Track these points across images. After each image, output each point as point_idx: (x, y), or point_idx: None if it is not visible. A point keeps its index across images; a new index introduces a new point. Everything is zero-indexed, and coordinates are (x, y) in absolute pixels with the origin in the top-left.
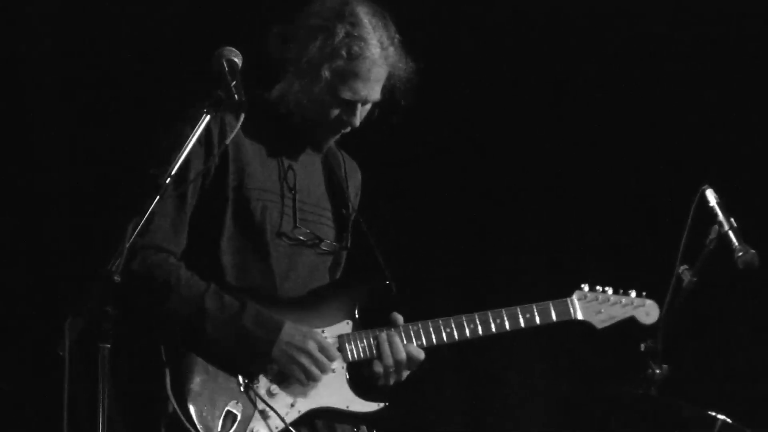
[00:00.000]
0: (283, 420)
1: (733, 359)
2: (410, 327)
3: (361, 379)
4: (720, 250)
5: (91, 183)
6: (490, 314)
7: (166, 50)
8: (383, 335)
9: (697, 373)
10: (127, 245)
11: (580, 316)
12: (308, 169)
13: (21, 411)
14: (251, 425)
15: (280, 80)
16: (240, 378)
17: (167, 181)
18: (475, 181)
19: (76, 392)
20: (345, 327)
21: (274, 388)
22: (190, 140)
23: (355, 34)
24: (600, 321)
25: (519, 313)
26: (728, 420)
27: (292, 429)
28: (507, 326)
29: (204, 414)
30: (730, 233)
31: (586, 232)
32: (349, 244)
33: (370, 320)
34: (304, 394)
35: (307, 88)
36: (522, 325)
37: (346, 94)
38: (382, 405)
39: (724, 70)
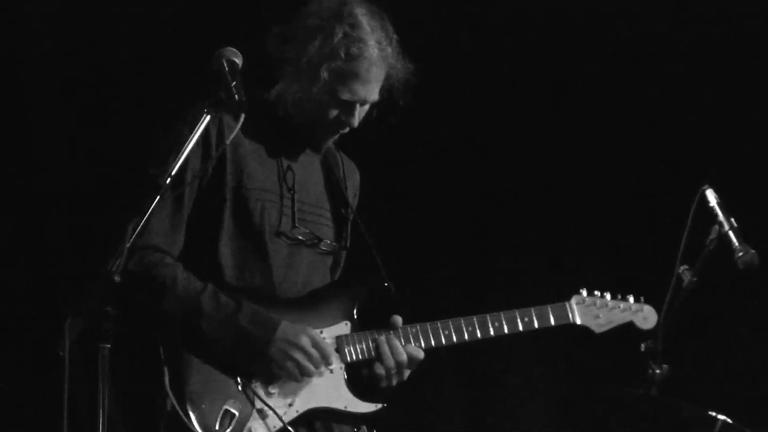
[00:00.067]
0: (281, 419)
1: (734, 359)
2: (409, 329)
3: (359, 379)
4: (720, 250)
5: (91, 183)
6: (488, 317)
7: (166, 50)
8: (382, 338)
9: (698, 374)
10: (128, 245)
11: (578, 321)
12: (307, 169)
13: (21, 411)
14: (249, 424)
15: (279, 81)
16: (238, 377)
17: (167, 182)
18: (474, 182)
19: (76, 392)
20: (344, 328)
21: (272, 387)
22: (190, 140)
23: (354, 35)
24: (598, 325)
25: (517, 316)
26: (728, 420)
27: (290, 428)
28: (505, 330)
29: (202, 413)
30: (730, 233)
31: (586, 232)
32: (348, 245)
33: (369, 321)
34: (302, 394)
35: (305, 89)
36: (520, 328)
37: (345, 95)
38: (380, 406)
39: (724, 70)
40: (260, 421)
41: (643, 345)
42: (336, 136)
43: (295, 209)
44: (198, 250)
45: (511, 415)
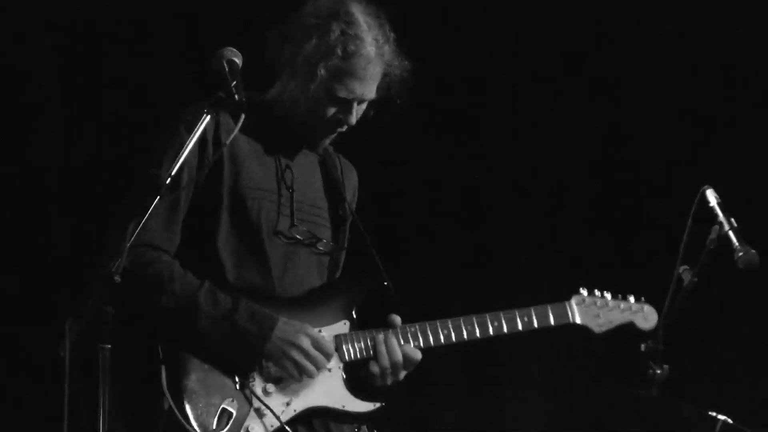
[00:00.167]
0: (278, 418)
1: (734, 359)
2: (408, 328)
3: (357, 379)
4: (720, 250)
5: (91, 183)
6: (488, 317)
7: (166, 50)
8: (380, 336)
9: (698, 374)
10: (128, 245)
11: (578, 320)
12: (305, 169)
13: (21, 411)
14: (246, 423)
15: (277, 81)
16: (236, 376)
17: (167, 182)
18: (474, 181)
19: (75, 392)
20: (342, 327)
21: (270, 386)
22: (191, 141)
23: (351, 33)
24: (598, 325)
25: (517, 316)
26: (729, 420)
27: (287, 427)
28: (505, 329)
29: (200, 412)
30: (731, 233)
31: (586, 232)
32: (346, 245)
33: (368, 321)
34: (299, 393)
35: (303, 87)
36: (520, 328)
37: (342, 93)
38: (378, 405)
39: (724, 70)
40: (258, 420)
41: (643, 345)
42: (334, 135)
43: (294, 209)
44: (196, 249)
45: (511, 415)
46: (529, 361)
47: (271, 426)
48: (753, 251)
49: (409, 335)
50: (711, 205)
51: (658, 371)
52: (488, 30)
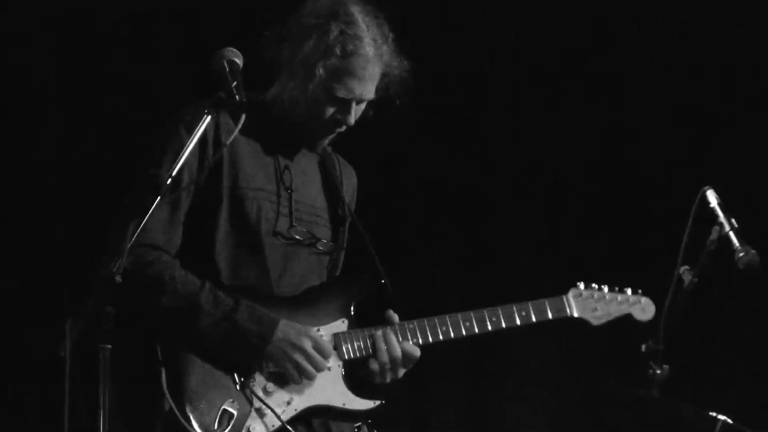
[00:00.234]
0: (279, 418)
1: (734, 360)
2: (406, 325)
3: (357, 377)
4: (721, 250)
5: (91, 183)
6: (485, 312)
7: (166, 50)
8: (379, 333)
9: (698, 374)
10: (128, 245)
11: (575, 314)
12: (304, 169)
13: (21, 411)
14: (247, 423)
15: (276, 80)
16: (236, 376)
17: (168, 182)
18: (472, 180)
19: (76, 392)
20: (341, 325)
21: (270, 386)
22: (191, 141)
23: (350, 33)
24: (596, 318)
25: (515, 310)
26: (729, 420)
27: (288, 427)
28: (503, 324)
29: (200, 412)
30: (731, 234)
31: (587, 232)
32: (345, 245)
33: (366, 319)
34: (300, 392)
35: (301, 87)
36: (518, 322)
37: (341, 92)
38: (378, 403)
39: (724, 70)
40: (259, 420)
41: (644, 345)
42: (332, 135)
43: (293, 209)
44: (196, 249)
45: (511, 415)
46: (528, 358)
47: (272, 426)
48: (753, 252)
49: (407, 332)
50: (711, 205)
51: (659, 371)
52: (488, 30)
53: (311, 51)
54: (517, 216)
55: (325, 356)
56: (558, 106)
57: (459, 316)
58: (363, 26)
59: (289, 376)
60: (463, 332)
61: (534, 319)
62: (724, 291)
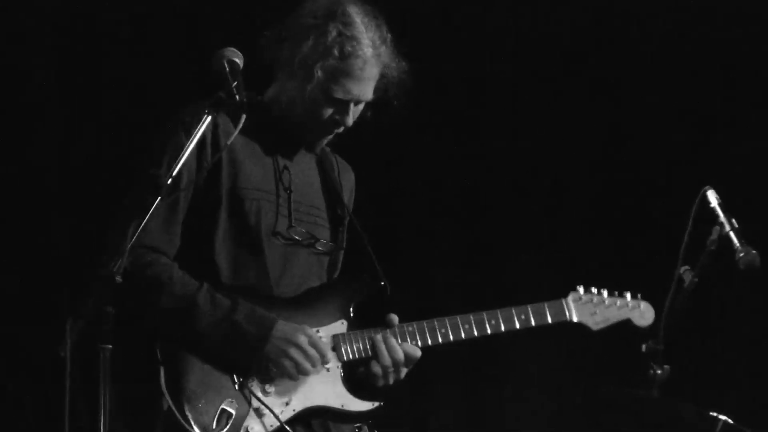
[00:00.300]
0: (277, 418)
1: (735, 360)
2: (405, 327)
3: (356, 378)
4: (721, 250)
5: (91, 183)
6: (485, 315)
7: (166, 50)
8: (379, 337)
9: (699, 374)
10: (128, 246)
11: (575, 318)
12: (303, 170)
13: (21, 411)
14: (246, 423)
15: (274, 81)
16: (235, 376)
17: (168, 182)
18: (472, 180)
19: (76, 392)
20: (340, 327)
21: (269, 386)
22: (191, 141)
23: (348, 34)
24: (595, 323)
25: (514, 314)
26: (730, 421)
27: (286, 427)
28: (502, 327)
29: (199, 412)
30: (732, 234)
31: (587, 232)
32: (344, 245)
33: (366, 320)
34: (299, 393)
35: (300, 88)
36: (517, 326)
37: (339, 93)
38: (376, 404)
39: (724, 70)
40: (257, 420)
41: (644, 345)
42: (331, 136)
43: (292, 209)
44: (195, 250)
45: (511, 415)
46: (528, 360)
47: (271, 426)
48: (754, 252)
49: (407, 334)
50: (712, 205)
51: (659, 372)
52: (488, 30)
53: (309, 52)
54: (517, 216)
55: (322, 353)
56: (558, 106)
57: (458, 318)
58: (361, 27)
59: (286, 374)
60: (462, 335)
61: (533, 323)
62: (724, 291)
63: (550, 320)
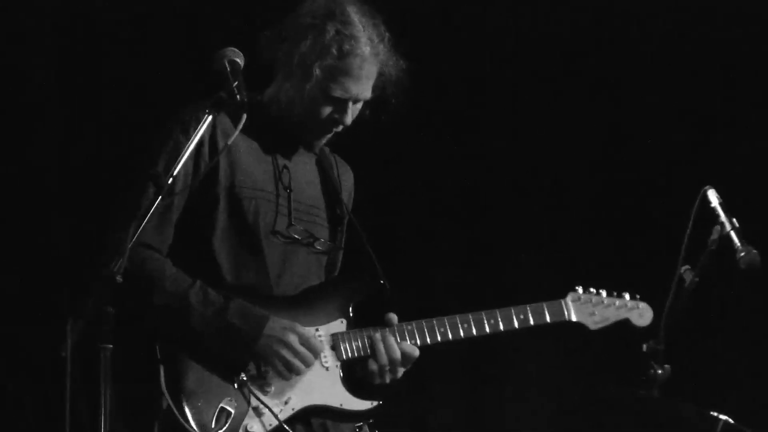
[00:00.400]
0: (276, 417)
1: (735, 360)
2: (404, 326)
3: (355, 377)
4: (722, 250)
5: (91, 183)
6: (483, 314)
7: (166, 50)
8: (377, 335)
9: (699, 374)
10: (129, 245)
11: (573, 318)
12: (302, 169)
13: (21, 411)
14: (245, 422)
15: (273, 80)
16: (234, 375)
17: (168, 182)
18: (472, 180)
19: (76, 392)
20: (339, 326)
21: (268, 385)
22: (192, 141)
23: (346, 33)
24: (594, 323)
25: (513, 313)
26: (730, 420)
27: (285, 426)
28: (501, 327)
29: (198, 411)
30: (732, 234)
31: (587, 232)
32: (343, 244)
33: (365, 319)
34: (298, 392)
35: (298, 87)
36: (516, 326)
37: (337, 92)
38: (375, 403)
39: (724, 70)
40: (256, 419)
41: (644, 345)
42: (330, 135)
43: (291, 208)
44: (194, 249)
45: (511, 415)
46: (527, 360)
47: (270, 425)
48: (755, 251)
49: (405, 333)
50: (712, 205)
51: (660, 371)
52: (488, 30)
53: (308, 51)
54: (517, 216)
55: (314, 352)
56: (558, 106)
57: (457, 318)
58: (359, 26)
59: (276, 372)
60: (461, 334)
61: (532, 323)
62: (725, 291)
63: (548, 320)
